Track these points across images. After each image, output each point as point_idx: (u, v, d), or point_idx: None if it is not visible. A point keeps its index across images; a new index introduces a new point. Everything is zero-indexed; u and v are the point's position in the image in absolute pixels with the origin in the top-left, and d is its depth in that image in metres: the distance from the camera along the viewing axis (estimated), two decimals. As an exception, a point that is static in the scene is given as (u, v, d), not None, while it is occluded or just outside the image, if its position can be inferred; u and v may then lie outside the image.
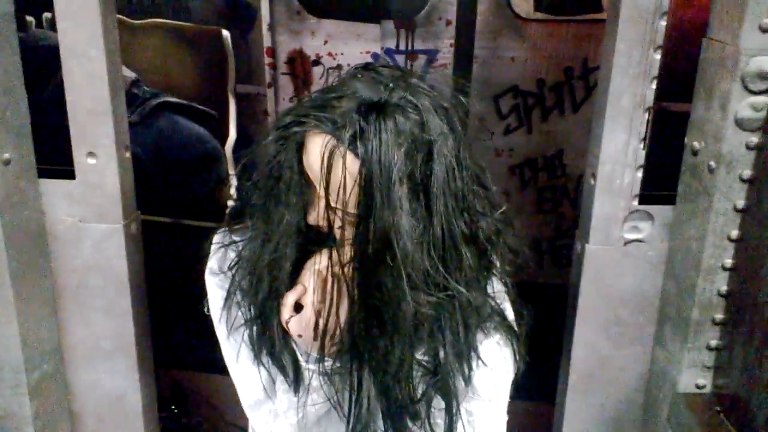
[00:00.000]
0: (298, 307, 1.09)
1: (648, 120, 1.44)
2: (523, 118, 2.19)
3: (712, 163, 1.35)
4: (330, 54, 2.13)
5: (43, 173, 1.53)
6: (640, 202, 1.50)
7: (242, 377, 1.16)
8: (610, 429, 1.69)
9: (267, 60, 2.14)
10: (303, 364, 1.11)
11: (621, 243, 1.53)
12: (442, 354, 1.07)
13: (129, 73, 2.11)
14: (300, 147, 1.00)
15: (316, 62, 2.15)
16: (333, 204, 0.97)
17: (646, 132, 1.45)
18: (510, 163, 2.24)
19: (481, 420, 1.13)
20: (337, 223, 0.99)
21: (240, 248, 1.15)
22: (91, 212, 1.55)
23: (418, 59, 2.12)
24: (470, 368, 1.09)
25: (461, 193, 1.00)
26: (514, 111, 2.18)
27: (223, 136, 2.24)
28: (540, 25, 2.08)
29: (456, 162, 0.98)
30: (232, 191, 2.23)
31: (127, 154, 1.56)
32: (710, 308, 1.43)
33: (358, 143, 0.92)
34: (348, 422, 1.08)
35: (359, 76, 1.00)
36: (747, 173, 1.33)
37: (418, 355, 1.08)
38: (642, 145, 1.45)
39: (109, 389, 1.70)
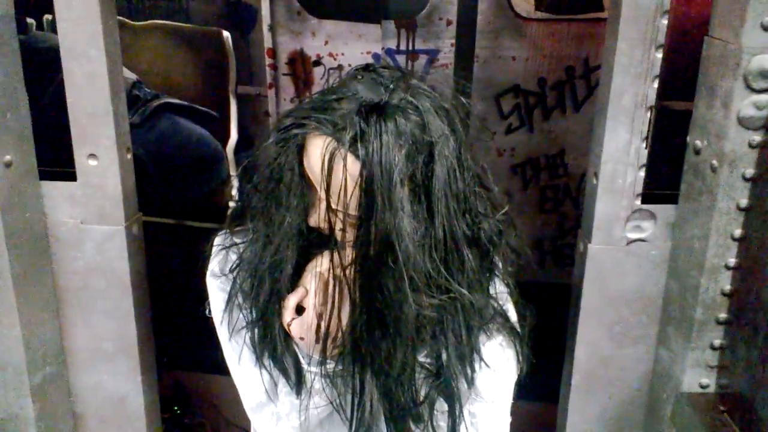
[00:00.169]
0: (299, 310, 1.09)
1: (650, 119, 1.44)
2: (525, 117, 2.18)
3: (715, 162, 1.34)
4: (331, 54, 2.12)
5: (44, 175, 1.53)
6: (643, 202, 1.50)
7: (244, 380, 1.16)
8: (613, 429, 1.69)
9: (268, 61, 2.14)
10: (305, 366, 1.11)
11: (624, 242, 1.52)
12: (444, 356, 1.07)
13: (130, 75, 2.11)
14: (301, 149, 0.99)
15: (317, 63, 2.14)
16: (334, 206, 0.97)
17: (648, 131, 1.44)
18: (511, 163, 2.24)
19: (485, 422, 1.12)
20: (339, 225, 0.99)
21: (241, 250, 1.14)
22: (92, 214, 1.55)
23: (419, 59, 2.11)
24: (473, 370, 1.09)
25: (463, 194, 0.99)
26: (516, 110, 2.17)
27: (224, 137, 2.24)
28: (541, 25, 2.08)
29: (457, 163, 0.98)
30: (234, 192, 2.23)
31: (129, 156, 1.56)
32: (713, 308, 1.42)
33: (359, 145, 0.91)
34: (350, 425, 1.08)
35: (359, 77, 0.99)
36: (750, 172, 1.32)
37: (421, 358, 1.07)
38: (644, 144, 1.45)
39: (112, 391, 1.70)
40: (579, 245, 1.60)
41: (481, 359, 1.10)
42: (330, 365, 1.08)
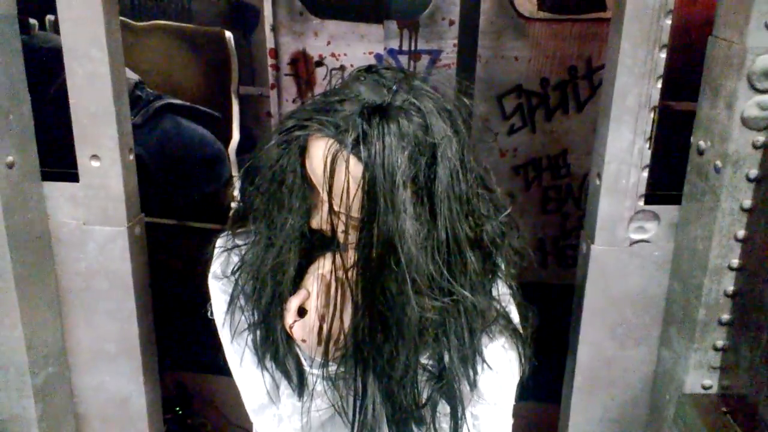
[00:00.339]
0: (301, 312, 1.09)
1: (653, 119, 1.43)
2: (527, 117, 2.18)
3: (719, 163, 1.34)
4: (333, 55, 2.12)
5: (46, 176, 1.53)
6: (646, 202, 1.49)
7: (246, 382, 1.16)
8: (615, 430, 1.68)
9: (270, 61, 2.14)
10: (307, 368, 1.11)
11: (627, 243, 1.52)
12: (447, 358, 1.06)
13: (132, 75, 2.11)
14: (303, 151, 0.99)
15: (320, 63, 2.14)
16: (336, 208, 0.96)
17: (651, 131, 1.44)
18: (514, 163, 2.23)
19: (487, 424, 1.12)
20: (341, 228, 0.99)
21: (243, 252, 1.14)
22: (95, 215, 1.55)
23: (421, 59, 2.11)
24: (475, 372, 1.09)
25: (465, 196, 0.99)
26: (518, 111, 2.17)
27: (227, 138, 2.23)
28: (543, 25, 2.07)
29: (460, 165, 0.97)
30: (236, 193, 2.23)
31: (131, 157, 1.56)
32: (717, 308, 1.42)
33: (361, 147, 0.91)
34: (352, 427, 1.08)
35: (362, 78, 0.99)
36: (753, 172, 1.32)
37: (423, 360, 1.07)
38: (648, 145, 1.44)
39: (114, 391, 1.70)
40: (582, 246, 1.59)
41: (484, 361, 1.10)
42: (332, 367, 1.08)
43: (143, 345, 1.67)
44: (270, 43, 2.11)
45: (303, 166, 1.00)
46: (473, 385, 1.09)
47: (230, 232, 1.18)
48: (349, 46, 2.10)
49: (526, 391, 1.20)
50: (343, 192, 0.93)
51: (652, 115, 1.43)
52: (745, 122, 1.29)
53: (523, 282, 1.20)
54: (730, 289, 1.40)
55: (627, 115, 1.42)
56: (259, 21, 2.13)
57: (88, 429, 1.75)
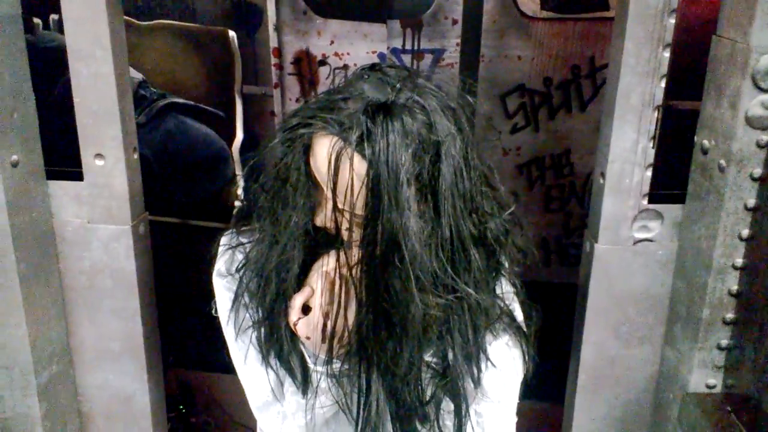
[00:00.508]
0: (306, 309, 1.09)
1: (657, 118, 1.43)
2: (530, 116, 2.18)
3: (723, 162, 1.33)
4: (336, 54, 2.12)
5: (51, 175, 1.53)
6: (650, 201, 1.49)
7: (250, 379, 1.16)
8: (619, 429, 1.68)
9: (273, 60, 2.14)
10: (311, 366, 1.11)
11: (630, 242, 1.52)
12: (450, 356, 1.07)
13: (136, 74, 2.12)
14: (307, 149, 0.99)
15: (323, 62, 2.14)
16: (340, 206, 0.97)
17: (655, 130, 1.44)
18: (517, 162, 2.23)
19: (491, 421, 1.12)
20: (345, 225, 0.99)
21: (247, 250, 1.14)
22: (99, 213, 1.55)
23: (424, 58, 2.11)
24: (479, 370, 1.09)
25: (469, 194, 0.99)
26: (521, 110, 2.17)
27: (230, 137, 2.24)
28: (547, 24, 2.07)
29: (464, 163, 0.97)
30: (240, 192, 2.23)
31: (135, 156, 1.57)
32: (721, 308, 1.42)
33: (366, 145, 0.91)
34: (356, 425, 1.08)
35: (366, 76, 0.99)
36: (758, 172, 1.32)
37: (427, 357, 1.07)
38: (651, 144, 1.44)
39: (118, 390, 1.71)
40: (585, 245, 1.59)
41: (488, 359, 1.10)
42: (336, 365, 1.08)
43: (147, 343, 1.67)
44: (273, 43, 2.12)
45: (307, 163, 1.00)
46: (477, 382, 1.09)
47: (234, 230, 1.19)
48: (352, 45, 2.10)
49: (529, 390, 1.20)
50: (347, 189, 0.94)
51: (655, 114, 1.43)
52: (750, 121, 1.29)
53: (526, 281, 1.20)
54: (735, 288, 1.40)
55: (631, 114, 1.42)
56: (263, 20, 2.13)
57: (93, 427, 1.75)
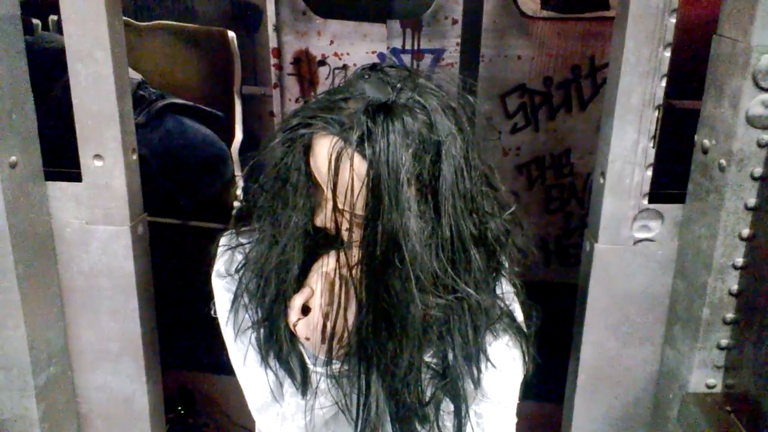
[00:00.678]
0: (305, 310, 1.09)
1: (658, 118, 1.43)
2: (530, 116, 2.18)
3: (723, 161, 1.33)
4: (336, 54, 2.12)
5: (49, 176, 1.53)
6: (650, 201, 1.49)
7: (249, 380, 1.16)
8: (619, 429, 1.68)
9: (273, 61, 2.14)
10: (310, 367, 1.10)
11: (630, 242, 1.52)
12: (450, 356, 1.06)
13: (135, 75, 2.11)
14: (307, 149, 0.99)
15: (322, 62, 2.14)
16: (341, 206, 0.96)
17: (655, 130, 1.43)
18: (517, 162, 2.23)
19: (491, 422, 1.12)
20: (345, 225, 0.99)
21: (247, 250, 1.14)
22: (97, 214, 1.55)
23: (424, 58, 2.11)
24: (479, 370, 1.08)
25: (470, 194, 0.99)
26: (521, 110, 2.17)
27: (230, 138, 2.24)
28: (547, 23, 2.07)
29: (464, 162, 0.97)
30: (239, 192, 2.23)
31: (134, 156, 1.56)
32: (721, 307, 1.42)
33: (366, 145, 0.91)
34: (356, 425, 1.07)
35: (366, 76, 0.99)
36: (758, 171, 1.31)
37: (427, 358, 1.07)
38: (652, 144, 1.44)
39: (116, 391, 1.70)
40: (585, 245, 1.59)
41: (488, 359, 1.10)
42: (336, 365, 1.08)
43: (146, 344, 1.67)
44: (273, 43, 2.12)
45: (307, 164, 1.00)
46: (477, 383, 1.09)
47: (234, 230, 1.18)
48: (352, 46, 2.10)
49: (529, 390, 1.19)
50: (347, 190, 0.93)
51: (656, 113, 1.43)
52: (750, 121, 1.29)
53: (526, 281, 1.20)
54: (735, 288, 1.40)
55: (631, 113, 1.42)
56: (262, 20, 2.13)
57: (91, 428, 1.75)
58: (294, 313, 1.08)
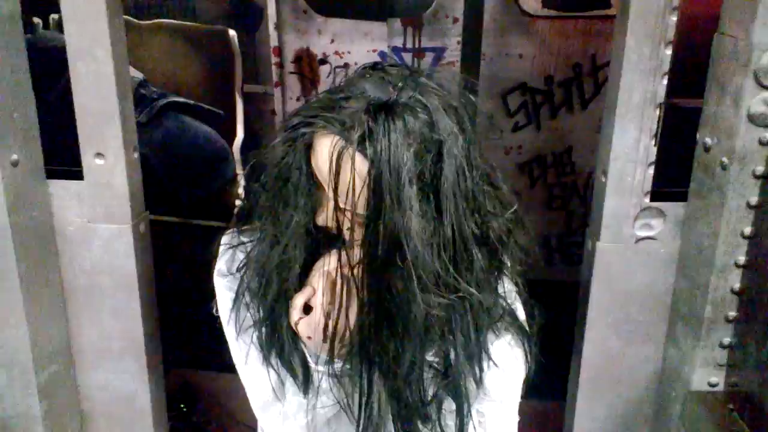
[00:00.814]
0: (307, 309, 1.09)
1: (659, 116, 1.43)
2: (532, 115, 2.18)
3: (725, 160, 1.33)
4: (337, 53, 2.12)
5: (51, 174, 1.53)
6: (652, 199, 1.49)
7: (251, 379, 1.16)
8: (621, 428, 1.68)
9: (274, 59, 2.14)
10: (312, 365, 1.11)
11: (632, 240, 1.51)
12: (452, 355, 1.06)
13: (136, 74, 2.11)
14: (308, 148, 0.99)
15: (323, 61, 2.14)
16: (342, 205, 0.96)
17: (657, 128, 1.43)
18: (518, 161, 2.23)
19: (493, 421, 1.12)
20: (346, 225, 0.98)
21: (248, 249, 1.14)
22: (99, 213, 1.55)
23: (425, 57, 2.11)
24: (481, 369, 1.08)
25: (472, 193, 0.99)
26: (523, 108, 2.17)
27: (231, 136, 2.24)
28: (548, 22, 2.07)
29: (466, 162, 0.97)
30: (240, 191, 2.23)
31: (135, 155, 1.56)
32: (723, 306, 1.42)
33: (367, 144, 0.91)
34: (357, 425, 1.07)
35: (367, 75, 0.99)
36: (760, 169, 1.31)
37: (429, 357, 1.07)
38: (653, 142, 1.44)
39: (119, 389, 1.71)
40: (587, 243, 1.59)
41: (490, 358, 1.10)
42: (337, 365, 1.08)
43: (148, 343, 1.67)
44: (274, 41, 2.12)
45: (309, 163, 1.00)
46: (479, 382, 1.09)
47: (235, 229, 1.18)
48: (352, 44, 2.10)
49: (531, 389, 1.19)
50: (348, 189, 0.93)
51: (657, 111, 1.42)
52: (752, 119, 1.28)
53: (528, 279, 1.20)
54: (737, 286, 1.39)
55: (632, 112, 1.42)
56: (263, 19, 2.13)
57: (93, 427, 1.75)
58: (296, 312, 1.08)
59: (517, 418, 1.16)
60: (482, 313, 1.06)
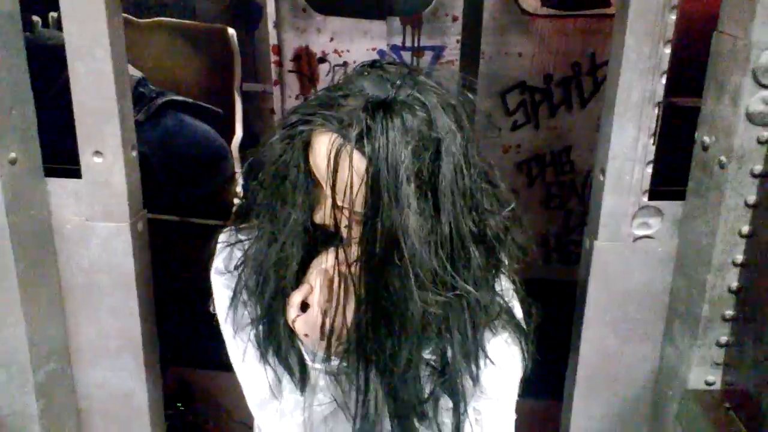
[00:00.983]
0: (304, 307, 1.09)
1: (658, 115, 1.43)
2: (531, 113, 2.18)
3: (723, 158, 1.33)
4: (336, 51, 2.12)
5: (49, 172, 1.53)
6: (650, 198, 1.49)
7: (248, 377, 1.16)
8: (618, 426, 1.68)
9: (273, 58, 2.14)
10: (309, 363, 1.11)
11: (630, 239, 1.52)
12: (449, 353, 1.06)
13: (135, 72, 2.11)
14: (306, 146, 0.99)
15: (322, 60, 2.14)
16: (340, 203, 0.96)
17: (656, 127, 1.43)
18: (517, 160, 2.23)
19: (489, 419, 1.12)
20: (344, 222, 0.99)
21: (246, 247, 1.14)
22: (97, 211, 1.55)
23: (424, 56, 2.10)
24: (478, 367, 1.08)
25: (469, 191, 0.99)
26: (521, 107, 2.17)
27: (229, 135, 2.23)
28: (547, 21, 2.07)
29: (464, 160, 0.97)
30: (239, 189, 2.23)
31: (134, 153, 1.56)
32: (720, 304, 1.42)
33: (365, 142, 0.91)
34: (354, 422, 1.07)
35: (366, 73, 0.99)
36: (758, 168, 1.31)
37: (426, 355, 1.07)
38: (652, 141, 1.44)
39: (116, 387, 1.71)
40: (585, 242, 1.59)
41: (487, 356, 1.10)
42: (334, 362, 1.08)
43: (145, 341, 1.67)
44: (273, 40, 2.12)
45: (306, 161, 1.00)
46: (476, 380, 1.09)
47: (233, 227, 1.18)
48: (352, 43, 2.10)
49: (528, 387, 1.19)
50: (346, 187, 0.93)
51: (656, 110, 1.42)
52: (750, 117, 1.28)
53: (525, 278, 1.20)
54: (734, 285, 1.40)
55: (631, 111, 1.42)
56: (262, 17, 2.13)
57: (90, 425, 1.75)
58: (293, 310, 1.08)
59: (514, 416, 1.16)
60: (479, 311, 1.06)
